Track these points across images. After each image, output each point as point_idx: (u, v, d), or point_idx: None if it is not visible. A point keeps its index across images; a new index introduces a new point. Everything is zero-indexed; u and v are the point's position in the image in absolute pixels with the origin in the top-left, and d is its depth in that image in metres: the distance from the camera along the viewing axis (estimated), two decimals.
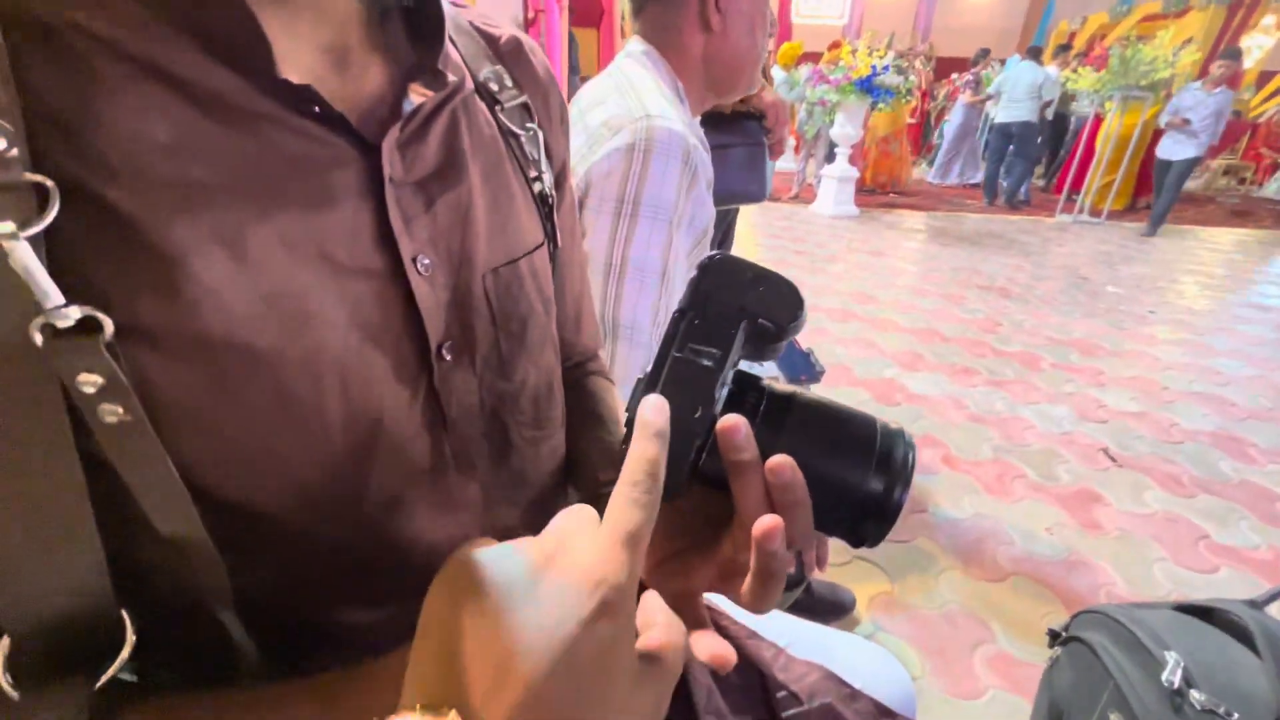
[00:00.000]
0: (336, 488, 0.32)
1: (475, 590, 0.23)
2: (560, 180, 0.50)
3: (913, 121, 8.52)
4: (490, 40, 0.46)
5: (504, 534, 0.27)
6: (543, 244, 0.45)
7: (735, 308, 0.31)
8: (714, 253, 0.33)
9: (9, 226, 0.22)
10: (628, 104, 0.80)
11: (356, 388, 0.32)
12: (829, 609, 1.42)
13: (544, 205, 0.46)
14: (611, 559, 0.24)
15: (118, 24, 0.26)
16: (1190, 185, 7.37)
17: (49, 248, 0.24)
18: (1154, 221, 5.69)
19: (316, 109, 0.30)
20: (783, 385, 0.32)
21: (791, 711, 0.54)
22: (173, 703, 0.30)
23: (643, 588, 0.30)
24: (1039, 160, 7.70)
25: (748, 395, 0.31)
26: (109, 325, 0.24)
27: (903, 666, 0.64)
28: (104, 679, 0.26)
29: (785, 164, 6.84)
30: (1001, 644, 1.37)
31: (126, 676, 0.29)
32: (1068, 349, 3.03)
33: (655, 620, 0.27)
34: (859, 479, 0.30)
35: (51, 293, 0.23)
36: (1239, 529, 1.79)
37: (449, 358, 0.36)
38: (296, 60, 0.31)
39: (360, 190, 0.32)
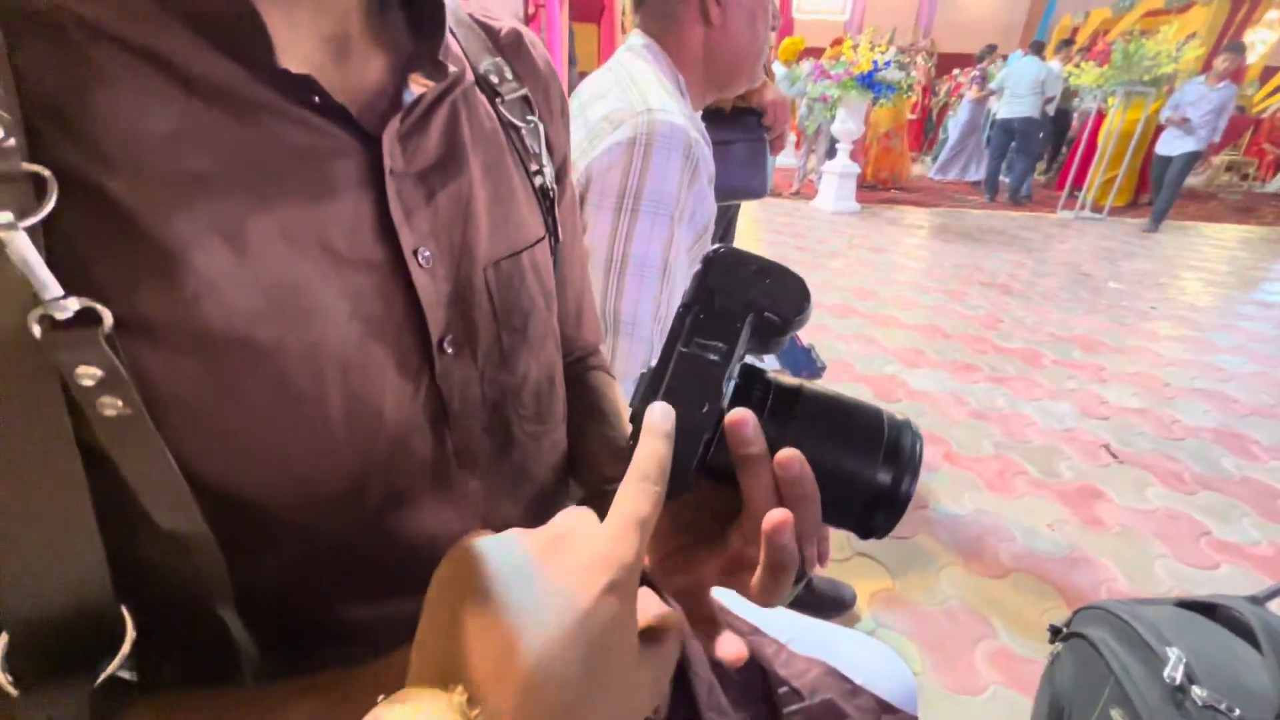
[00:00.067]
0: (338, 482, 0.32)
1: (481, 571, 0.23)
2: (561, 174, 0.50)
3: (913, 117, 8.49)
4: (490, 32, 0.45)
5: (505, 529, 0.27)
6: (544, 238, 0.45)
7: (740, 301, 0.31)
8: (718, 246, 0.32)
9: (7, 217, 0.22)
10: (629, 98, 0.80)
11: (358, 381, 0.32)
12: (830, 605, 1.42)
13: (545, 199, 0.46)
14: (622, 541, 0.24)
15: (116, 13, 0.25)
16: (1192, 181, 7.36)
17: (47, 239, 0.24)
18: (1155, 217, 5.67)
19: (316, 99, 0.30)
20: (789, 378, 0.32)
21: (793, 707, 0.54)
22: (173, 701, 0.30)
23: (649, 583, 0.30)
24: (1041, 156, 7.68)
25: (754, 389, 0.31)
26: (108, 317, 0.24)
27: (904, 662, 0.64)
28: (104, 676, 0.26)
29: (786, 160, 6.83)
30: (1003, 640, 1.37)
31: (126, 675, 0.29)
32: (1069, 345, 3.02)
33: (649, 607, 0.27)
34: (867, 470, 0.30)
35: (50, 284, 0.23)
36: (1241, 525, 1.79)
37: (450, 351, 0.36)
38: (296, 50, 0.30)
39: (360, 182, 0.32)
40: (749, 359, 0.32)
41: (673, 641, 0.26)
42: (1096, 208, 6.25)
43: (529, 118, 0.45)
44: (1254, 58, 8.42)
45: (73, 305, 0.23)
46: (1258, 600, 0.89)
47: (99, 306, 0.24)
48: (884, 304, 3.48)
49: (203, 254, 0.27)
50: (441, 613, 0.23)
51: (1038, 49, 6.62)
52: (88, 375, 0.24)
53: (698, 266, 0.32)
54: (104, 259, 0.25)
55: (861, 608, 1.44)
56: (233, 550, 0.30)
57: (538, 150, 0.45)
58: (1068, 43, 8.30)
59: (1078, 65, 6.37)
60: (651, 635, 0.25)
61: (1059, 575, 1.57)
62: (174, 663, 0.33)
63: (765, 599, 0.31)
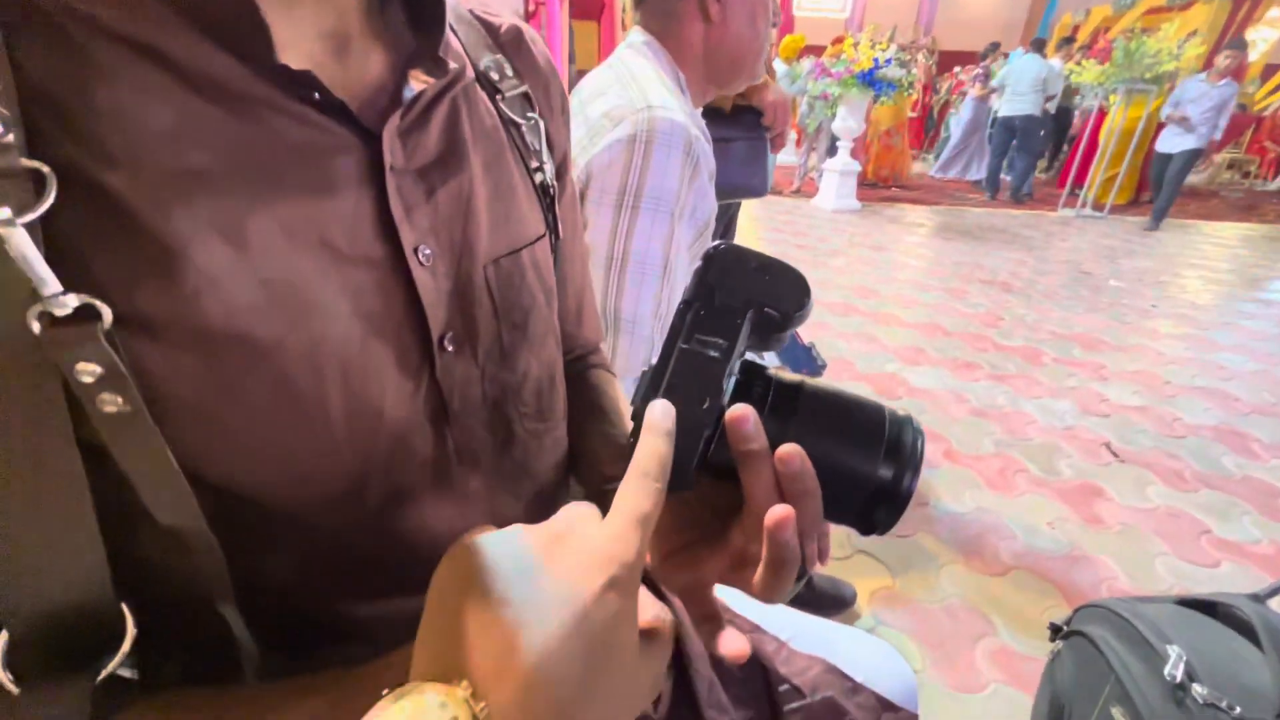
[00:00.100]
0: (338, 480, 0.32)
1: (484, 566, 0.23)
2: (561, 171, 0.50)
3: (914, 115, 8.47)
4: (490, 29, 0.45)
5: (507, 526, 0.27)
6: (544, 235, 0.45)
7: (741, 297, 0.30)
8: (719, 243, 0.32)
9: (5, 213, 0.22)
10: (629, 95, 0.80)
11: (358, 379, 0.32)
12: (830, 603, 1.42)
13: (545, 196, 0.45)
14: (623, 538, 0.24)
15: (116, 9, 0.25)
16: (1194, 179, 7.34)
17: (46, 235, 0.23)
18: (1156, 215, 5.66)
19: (316, 95, 0.30)
20: (790, 374, 0.32)
21: (793, 705, 0.54)
22: (174, 699, 0.30)
23: (647, 580, 0.30)
24: (1042, 154, 7.66)
25: (755, 385, 0.31)
26: (107, 314, 0.24)
27: (904, 660, 0.64)
28: (105, 674, 0.26)
29: (787, 158, 6.81)
30: (1003, 638, 1.37)
31: (127, 673, 0.29)
32: (1070, 343, 3.02)
33: (644, 603, 0.27)
34: (868, 466, 0.29)
35: (49, 280, 0.23)
36: (1241, 524, 1.79)
37: (451, 349, 0.36)
38: (296, 46, 0.30)
39: (361, 178, 0.32)
40: (749, 355, 0.32)
41: (668, 637, 0.26)
42: (1098, 206, 6.24)
43: (529, 114, 0.45)
44: (1255, 55, 8.40)
45: (72, 302, 0.23)
46: (1259, 598, 0.89)
47: (98, 303, 0.24)
48: (885, 302, 3.48)
49: (203, 250, 0.26)
50: (443, 610, 0.23)
51: (1039, 46, 6.61)
52: (87, 372, 0.23)
53: (698, 263, 0.32)
54: (103, 255, 0.25)
55: (862, 606, 1.44)
56: (233, 548, 0.29)
57: (538, 147, 0.45)
58: (1069, 40, 8.29)
59: (1079, 63, 6.35)
60: (648, 631, 0.25)
61: (1059, 573, 1.57)
62: (175, 661, 0.33)
63: (767, 595, 0.31)
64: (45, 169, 0.23)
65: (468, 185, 0.37)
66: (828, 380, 0.33)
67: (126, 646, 0.27)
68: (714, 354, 0.29)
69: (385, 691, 0.21)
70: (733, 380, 0.31)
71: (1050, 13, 10.85)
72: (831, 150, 6.06)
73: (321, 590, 0.35)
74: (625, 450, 0.28)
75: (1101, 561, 1.61)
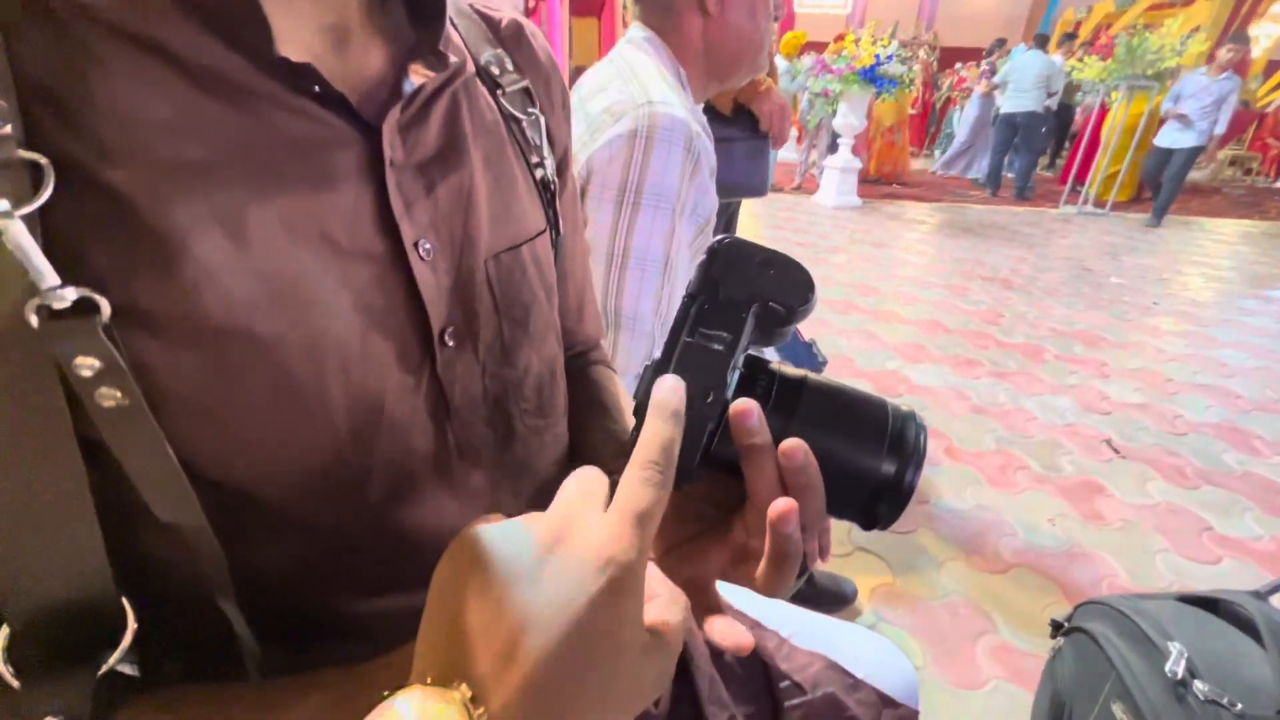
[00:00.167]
0: (339, 476, 0.32)
1: (484, 565, 0.23)
2: (562, 167, 0.49)
3: (914, 112, 8.44)
4: (491, 24, 0.45)
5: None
6: (545, 231, 0.44)
7: (745, 291, 0.30)
8: (723, 236, 0.32)
9: (3, 205, 0.22)
10: (630, 90, 0.79)
11: (358, 374, 0.31)
12: (831, 600, 1.42)
13: (546, 192, 0.45)
14: (621, 538, 0.23)
15: (114, 0, 0.25)
16: (1196, 176, 7.32)
17: (44, 227, 0.23)
18: (1158, 212, 5.65)
19: (316, 89, 0.30)
20: (793, 369, 0.32)
21: (794, 701, 0.54)
22: (176, 696, 0.30)
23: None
24: (1044, 151, 7.64)
25: (759, 379, 0.31)
26: (106, 307, 0.24)
27: (905, 657, 0.64)
28: (105, 668, 0.26)
29: (787, 155, 6.80)
30: (1004, 635, 1.37)
31: (129, 669, 0.29)
32: (1071, 340, 3.02)
33: (656, 593, 0.27)
34: (871, 461, 0.29)
35: (47, 273, 0.22)
36: (1242, 520, 1.79)
37: (451, 344, 0.36)
38: (296, 39, 0.30)
39: (361, 173, 0.32)
40: (751, 351, 0.32)
41: (676, 632, 0.26)
42: (1099, 203, 6.23)
43: (530, 110, 0.44)
44: (1258, 52, 8.36)
45: (70, 295, 0.23)
46: (1260, 595, 0.89)
47: (97, 296, 0.24)
48: (885, 299, 3.47)
49: (202, 243, 0.26)
50: (444, 610, 0.23)
51: (1041, 42, 6.58)
52: (86, 366, 0.23)
53: (702, 257, 0.31)
54: (102, 248, 0.25)
55: (863, 602, 1.44)
56: (233, 543, 0.29)
57: (539, 143, 0.45)
58: (1070, 36, 8.26)
59: (1081, 59, 6.33)
60: (653, 629, 0.25)
61: (1060, 570, 1.57)
62: (177, 659, 0.33)
63: (769, 590, 0.31)
64: (43, 161, 0.23)
65: (468, 180, 0.37)
66: (830, 376, 0.33)
67: (127, 641, 0.27)
68: (718, 347, 0.29)
69: (385, 693, 0.21)
70: (736, 374, 0.31)
71: (1053, 8, 10.81)
72: (832, 147, 6.05)
73: (322, 586, 0.34)
74: (627, 446, 0.27)
75: (1102, 558, 1.61)
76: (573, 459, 0.50)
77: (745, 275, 0.31)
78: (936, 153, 9.07)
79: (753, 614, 0.61)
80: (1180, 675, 0.78)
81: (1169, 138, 5.49)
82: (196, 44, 0.27)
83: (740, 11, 0.86)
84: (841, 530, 1.61)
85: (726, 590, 0.35)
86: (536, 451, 0.44)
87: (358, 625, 0.36)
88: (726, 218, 1.85)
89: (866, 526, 0.31)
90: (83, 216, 0.24)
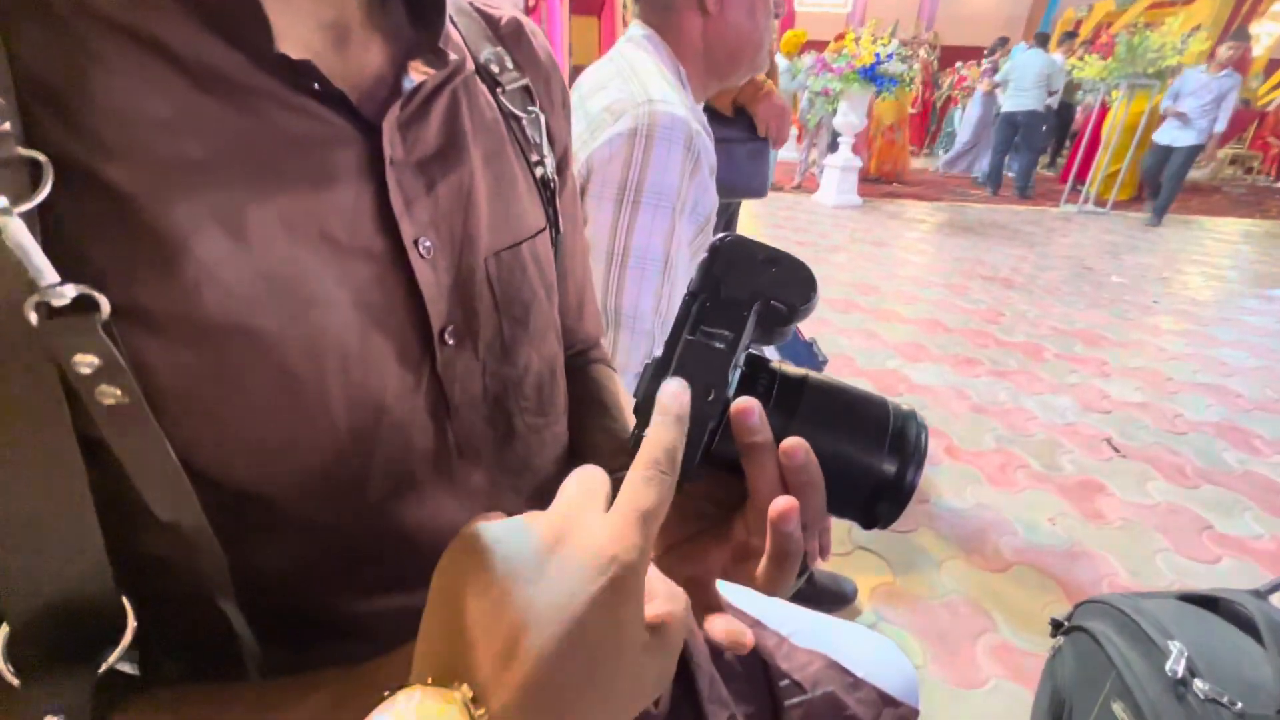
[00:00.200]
0: (339, 474, 0.32)
1: (485, 565, 0.23)
2: (562, 166, 0.49)
3: (914, 111, 8.43)
4: (491, 22, 0.45)
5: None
6: (545, 229, 0.44)
7: (747, 290, 0.30)
8: (725, 234, 0.32)
9: (1, 202, 0.22)
10: (630, 89, 0.79)
11: (359, 372, 0.31)
12: (831, 599, 1.42)
13: (546, 190, 0.45)
14: (624, 537, 0.23)
15: None
16: (1196, 175, 7.31)
17: (43, 225, 0.23)
18: (1158, 211, 5.64)
19: (316, 86, 0.30)
20: (794, 368, 0.32)
21: (794, 700, 0.54)
22: (177, 696, 0.30)
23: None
24: (1044, 150, 7.63)
25: (760, 378, 0.31)
26: (105, 305, 0.24)
27: (905, 655, 0.64)
28: (105, 667, 0.26)
29: (787, 154, 6.79)
30: (1004, 633, 1.37)
31: (129, 669, 0.29)
32: (1071, 339, 3.01)
33: (656, 591, 0.27)
34: (872, 460, 0.29)
35: (46, 270, 0.22)
36: (1243, 519, 1.79)
37: (451, 343, 0.36)
38: (296, 37, 0.30)
39: (361, 171, 0.32)
40: (752, 349, 0.32)
41: (677, 630, 0.26)
42: (1100, 202, 6.22)
43: (530, 108, 0.44)
44: (1260, 50, 8.35)
45: (69, 292, 0.23)
46: (1260, 594, 0.89)
47: (96, 294, 0.24)
48: (885, 298, 3.47)
49: (201, 241, 0.26)
50: (444, 610, 0.23)
51: (1042, 41, 6.57)
52: (85, 363, 0.23)
53: (704, 255, 0.31)
54: (101, 246, 0.25)
55: (863, 601, 1.44)
56: (233, 542, 0.29)
57: (539, 141, 0.45)
58: (1071, 35, 8.25)
59: (1081, 58, 6.32)
60: (655, 626, 0.25)
61: (1060, 569, 1.57)
62: (177, 658, 0.33)
63: (769, 588, 0.31)
64: (42, 158, 0.23)
65: (468, 178, 0.37)
66: (831, 375, 0.33)
67: (127, 639, 0.27)
68: (719, 346, 0.29)
69: (385, 693, 0.21)
70: (738, 372, 0.31)
71: (1053, 7, 10.80)
72: (832, 146, 6.04)
73: (322, 585, 0.34)
74: (628, 445, 0.27)
75: (1102, 557, 1.61)
76: (573, 458, 0.50)
77: (747, 273, 0.31)
78: (940, 152, 9.06)
79: (753, 613, 0.61)
80: (1180, 674, 0.78)
81: (1169, 135, 5.48)
82: (196, 41, 0.27)
83: (739, 10, 0.86)
84: (842, 529, 1.61)
85: (727, 589, 0.35)
86: (536, 450, 0.44)
87: (358, 625, 0.36)
88: (727, 217, 1.85)
89: (867, 525, 0.31)
90: (82, 214, 0.24)
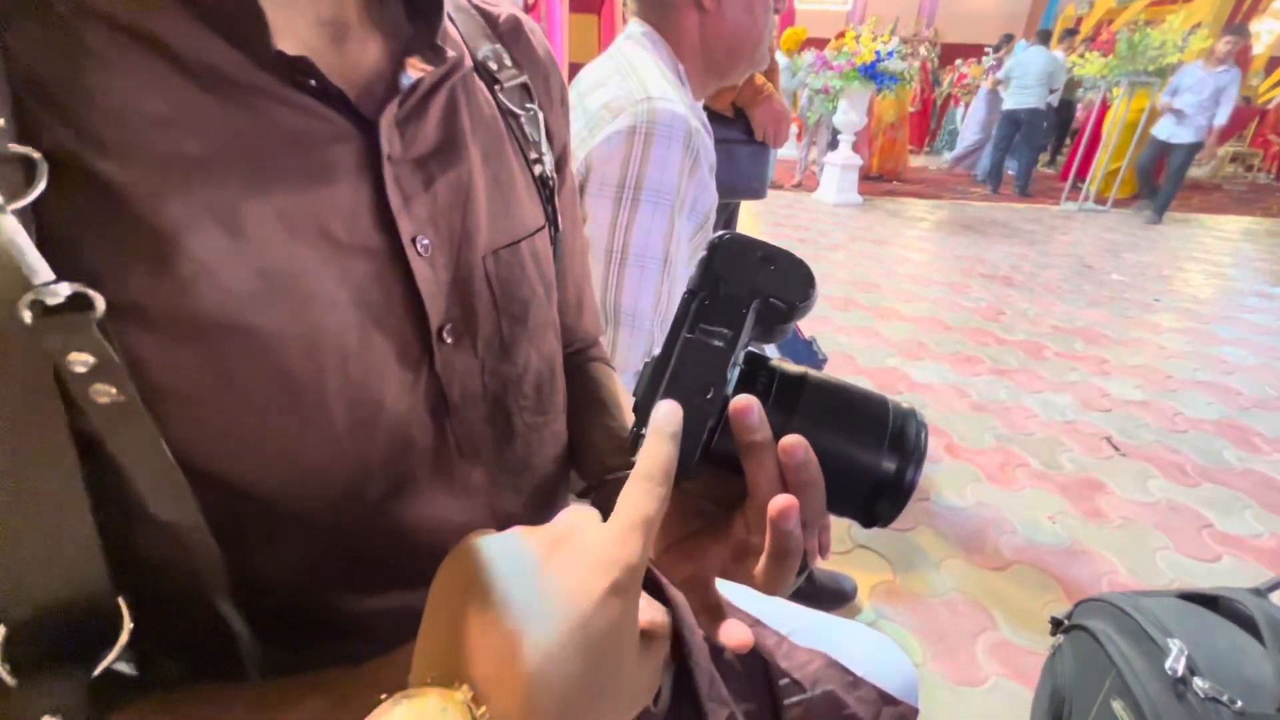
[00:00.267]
0: (338, 473, 0.32)
1: (486, 568, 0.23)
2: (561, 163, 0.49)
3: (913, 110, 8.41)
4: (489, 19, 0.45)
5: (507, 520, 0.27)
6: (544, 227, 0.44)
7: (746, 287, 0.30)
8: (724, 232, 0.32)
9: None
10: (629, 86, 0.79)
11: (357, 370, 0.31)
12: (831, 597, 1.42)
13: (545, 188, 0.45)
14: (625, 541, 0.24)
15: None
16: (1196, 172, 7.30)
17: (38, 222, 0.23)
18: (1158, 209, 5.63)
19: (313, 83, 0.29)
20: (793, 366, 0.32)
21: (794, 699, 0.54)
22: (176, 696, 0.30)
23: (649, 578, 0.30)
24: (1044, 147, 7.62)
25: (759, 376, 0.31)
26: (100, 303, 0.24)
27: (905, 654, 0.64)
28: (102, 667, 0.26)
29: (787, 152, 6.78)
30: (1004, 632, 1.38)
31: (126, 669, 0.29)
32: (1072, 337, 3.01)
33: (643, 602, 0.27)
34: (872, 458, 0.29)
35: (40, 268, 0.22)
36: (1243, 518, 1.79)
37: (450, 341, 0.36)
38: (293, 34, 0.30)
39: (358, 167, 0.31)
40: (751, 348, 0.32)
41: (664, 637, 0.26)
42: (1100, 199, 6.22)
43: (528, 105, 0.44)
44: (1260, 48, 8.34)
45: (64, 290, 0.23)
46: (1260, 592, 0.89)
47: (91, 292, 0.23)
48: (886, 296, 3.47)
49: (198, 238, 0.26)
50: (445, 612, 0.23)
51: (1044, 38, 6.55)
52: (80, 362, 0.23)
53: (703, 253, 0.31)
54: (96, 243, 0.25)
55: (862, 600, 1.44)
56: (231, 542, 0.29)
57: (537, 138, 0.45)
58: (1071, 32, 8.23)
59: (1082, 55, 6.31)
60: (646, 632, 0.25)
61: (1060, 567, 1.57)
62: (174, 657, 0.33)
63: (769, 587, 0.31)
64: (36, 155, 0.23)
65: (466, 176, 0.37)
66: (830, 373, 0.32)
67: (123, 640, 0.27)
68: (718, 343, 0.29)
69: (383, 696, 0.21)
70: (737, 370, 0.30)
71: (1054, 5, 10.77)
72: (833, 144, 6.04)
73: (322, 585, 0.34)
74: (627, 442, 0.27)
75: (1102, 556, 1.61)
76: (572, 456, 0.50)
77: (746, 271, 0.30)
78: (944, 150, 9.04)
79: (752, 611, 0.61)
80: (1180, 673, 0.78)
81: (1166, 130, 5.45)
82: (194, 40, 0.26)
83: (738, 6, 0.85)
84: (841, 527, 1.61)
85: (726, 588, 0.34)
86: (536, 448, 0.44)
87: (358, 625, 0.36)
88: (726, 215, 1.85)
89: (867, 524, 0.31)
90: (77, 212, 0.24)
